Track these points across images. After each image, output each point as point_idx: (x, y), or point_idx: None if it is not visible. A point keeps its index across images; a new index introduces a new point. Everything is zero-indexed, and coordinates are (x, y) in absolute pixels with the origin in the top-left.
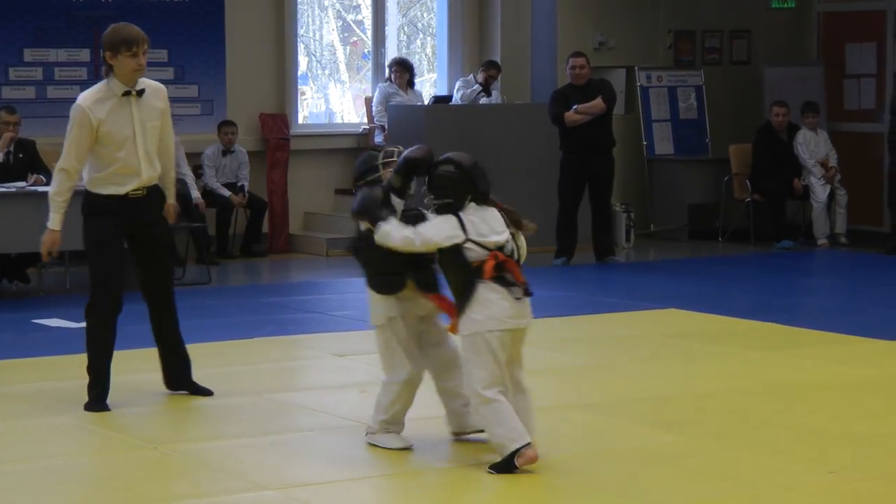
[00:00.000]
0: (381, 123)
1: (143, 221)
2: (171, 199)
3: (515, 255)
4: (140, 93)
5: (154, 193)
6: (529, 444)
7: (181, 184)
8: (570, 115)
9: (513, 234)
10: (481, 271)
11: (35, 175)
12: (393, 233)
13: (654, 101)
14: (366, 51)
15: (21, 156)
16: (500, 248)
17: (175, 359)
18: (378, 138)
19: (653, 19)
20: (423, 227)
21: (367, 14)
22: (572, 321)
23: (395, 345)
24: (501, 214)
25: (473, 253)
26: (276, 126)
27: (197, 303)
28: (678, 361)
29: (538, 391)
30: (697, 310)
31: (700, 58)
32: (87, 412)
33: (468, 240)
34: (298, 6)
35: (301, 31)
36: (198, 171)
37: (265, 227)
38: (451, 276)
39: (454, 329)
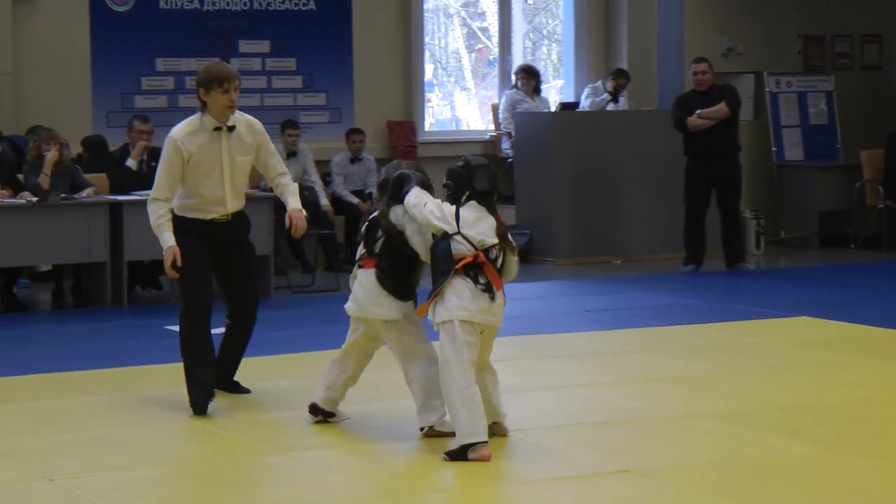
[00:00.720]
0: (508, 130)
1: (225, 240)
2: (294, 206)
3: (498, 265)
4: (231, 128)
5: (239, 218)
6: (486, 443)
7: (309, 190)
8: (693, 120)
9: (506, 251)
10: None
11: None
12: (412, 196)
13: (783, 106)
14: (491, 58)
15: (154, 164)
16: (486, 250)
17: (229, 364)
18: (505, 145)
19: (781, 24)
20: (430, 201)
21: (492, 21)
22: (701, 329)
23: (408, 337)
24: (497, 224)
25: (461, 247)
26: (404, 133)
27: (326, 309)
28: (809, 370)
29: (667, 399)
30: (829, 318)
31: (830, 63)
32: (216, 417)
33: (458, 233)
34: (424, 14)
35: (426, 39)
36: (326, 178)
37: None
38: (435, 263)
39: (423, 312)
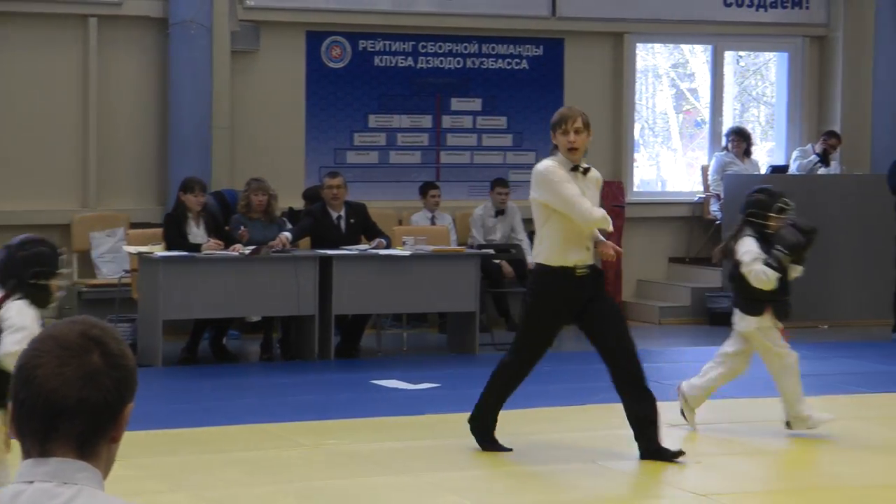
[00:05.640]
0: (717, 192)
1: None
2: None
3: None
4: (585, 171)
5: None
6: None
7: (517, 249)
8: None
9: None
10: None
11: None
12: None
13: None
14: (698, 119)
15: (352, 221)
16: None
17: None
18: (714, 207)
19: None
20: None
21: (700, 83)
22: None
23: (767, 341)
24: None
25: None
26: (612, 193)
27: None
28: None
29: (867, 468)
30: None
31: None
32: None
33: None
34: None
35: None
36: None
37: None
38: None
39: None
